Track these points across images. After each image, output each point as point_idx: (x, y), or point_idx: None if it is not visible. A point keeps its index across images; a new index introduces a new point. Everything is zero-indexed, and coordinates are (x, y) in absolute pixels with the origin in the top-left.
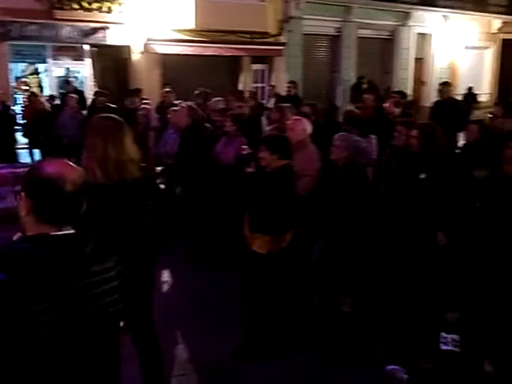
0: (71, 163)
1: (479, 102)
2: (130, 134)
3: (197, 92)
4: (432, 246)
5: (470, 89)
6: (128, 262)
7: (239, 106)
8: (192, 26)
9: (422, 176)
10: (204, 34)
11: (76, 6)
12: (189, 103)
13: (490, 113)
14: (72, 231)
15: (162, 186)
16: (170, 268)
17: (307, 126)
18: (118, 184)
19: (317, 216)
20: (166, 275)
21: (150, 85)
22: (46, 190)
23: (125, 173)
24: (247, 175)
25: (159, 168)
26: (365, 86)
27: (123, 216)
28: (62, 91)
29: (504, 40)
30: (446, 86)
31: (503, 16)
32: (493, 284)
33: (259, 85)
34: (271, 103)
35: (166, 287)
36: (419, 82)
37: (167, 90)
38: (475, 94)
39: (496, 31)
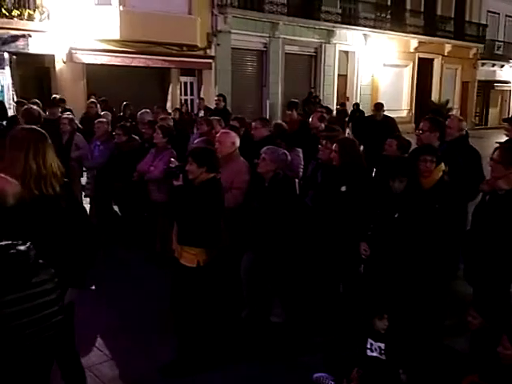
0: (10, 178)
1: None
2: (52, 146)
3: (125, 103)
4: (356, 255)
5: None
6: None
7: (163, 118)
8: (117, 36)
9: (343, 189)
10: (130, 44)
11: None
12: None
13: (418, 128)
14: (19, 241)
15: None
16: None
17: (235, 139)
18: (38, 198)
19: (246, 229)
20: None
21: (74, 95)
22: None
23: (46, 187)
24: (175, 188)
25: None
26: (314, 99)
27: (43, 231)
28: None
29: (420, 59)
30: (380, 107)
31: (419, 36)
32: (408, 294)
33: (188, 97)
34: (201, 116)
35: (89, 302)
36: (343, 97)
37: (92, 100)
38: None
39: (413, 50)
